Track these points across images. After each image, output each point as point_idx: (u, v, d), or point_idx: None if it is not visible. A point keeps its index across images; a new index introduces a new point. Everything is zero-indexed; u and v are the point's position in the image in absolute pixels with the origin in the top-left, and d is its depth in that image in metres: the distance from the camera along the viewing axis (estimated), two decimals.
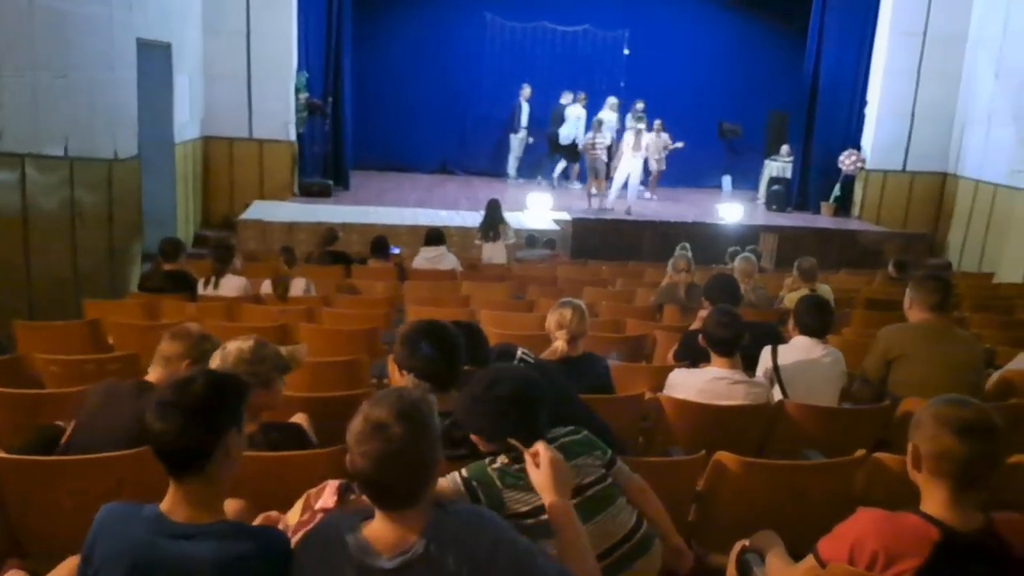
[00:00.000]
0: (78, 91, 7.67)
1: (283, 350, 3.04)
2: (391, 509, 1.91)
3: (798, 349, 4.29)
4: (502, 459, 2.49)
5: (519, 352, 3.37)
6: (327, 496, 2.27)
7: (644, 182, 14.83)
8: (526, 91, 16.19)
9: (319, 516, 2.23)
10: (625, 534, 2.53)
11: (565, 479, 2.24)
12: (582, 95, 15.67)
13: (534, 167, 16.54)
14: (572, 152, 15.42)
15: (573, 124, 15.44)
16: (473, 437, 2.58)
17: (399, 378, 2.88)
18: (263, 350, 2.96)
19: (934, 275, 4.79)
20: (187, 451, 1.99)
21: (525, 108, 16.21)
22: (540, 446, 2.26)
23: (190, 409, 1.99)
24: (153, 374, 3.20)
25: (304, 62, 13.44)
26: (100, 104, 8.16)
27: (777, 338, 4.58)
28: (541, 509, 2.33)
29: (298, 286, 6.96)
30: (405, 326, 3.06)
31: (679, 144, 15.20)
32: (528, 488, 2.38)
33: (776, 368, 4.22)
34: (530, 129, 16.21)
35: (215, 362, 2.90)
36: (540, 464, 2.24)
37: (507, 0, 16.77)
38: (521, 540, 1.98)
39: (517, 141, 16.43)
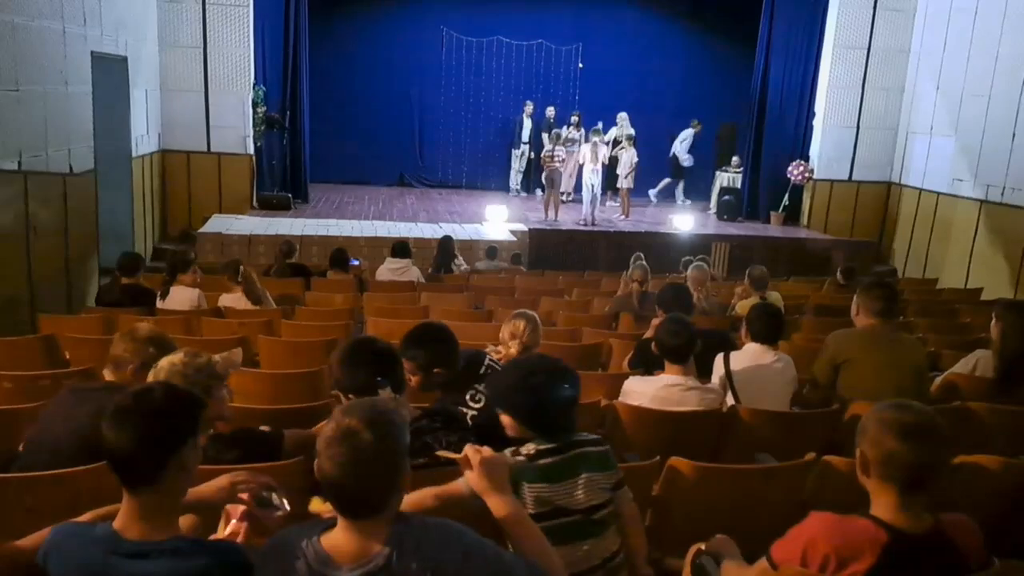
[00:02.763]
0: (32, 105, 7.58)
1: (216, 358, 3.00)
2: (355, 517, 1.89)
3: (750, 355, 4.36)
4: (528, 448, 2.59)
5: (487, 360, 3.40)
6: (241, 506, 2.29)
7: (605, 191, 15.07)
8: (528, 107, 16.35)
9: (243, 526, 2.27)
10: (604, 559, 2.59)
11: (501, 476, 2.23)
12: (624, 115, 15.78)
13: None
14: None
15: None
16: (504, 419, 2.68)
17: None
18: (195, 360, 2.91)
19: (880, 282, 4.90)
20: (141, 461, 1.95)
21: (527, 124, 16.38)
22: (468, 450, 2.25)
23: (147, 418, 1.96)
24: (108, 377, 3.23)
25: (261, 76, 13.41)
26: (54, 118, 8.07)
27: (729, 345, 4.66)
28: (559, 511, 2.49)
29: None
30: (337, 351, 3.06)
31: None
32: (551, 479, 2.52)
33: (728, 374, 4.30)
34: (532, 144, 16.31)
35: (149, 378, 2.83)
36: (473, 467, 2.22)
37: (463, 15, 16.88)
38: (489, 545, 1.97)
39: (518, 156, 16.60)
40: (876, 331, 4.44)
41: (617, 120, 15.71)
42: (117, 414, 1.97)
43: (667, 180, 16.69)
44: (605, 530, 2.61)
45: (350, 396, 2.87)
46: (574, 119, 15.95)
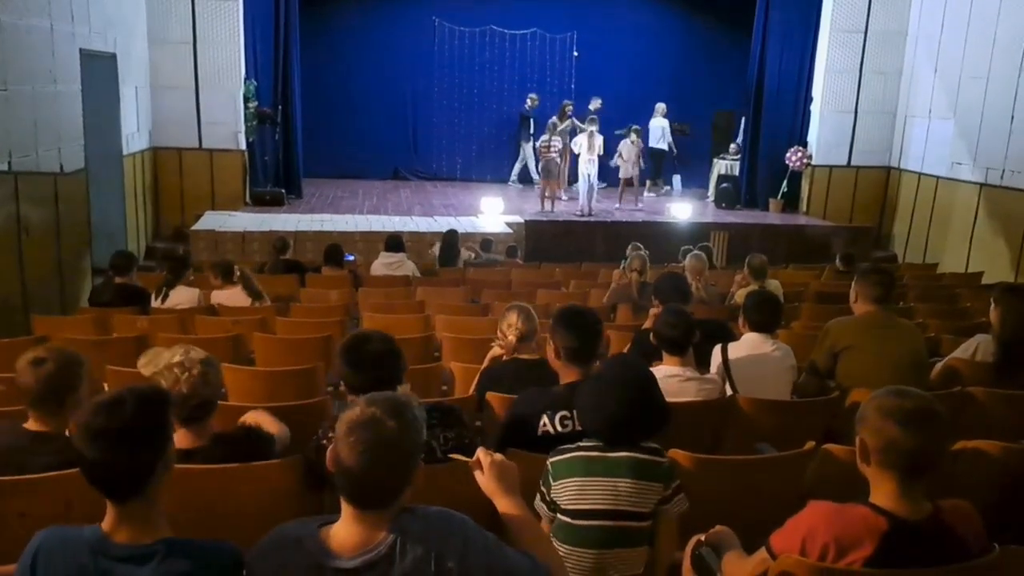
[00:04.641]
0: (21, 105, 7.56)
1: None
2: (364, 507, 1.89)
3: (748, 346, 4.32)
4: (583, 442, 2.75)
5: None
6: None
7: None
8: (535, 100, 16.24)
9: None
10: None
11: (511, 479, 2.25)
12: (662, 106, 15.90)
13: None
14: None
15: (658, 134, 15.82)
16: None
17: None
18: (210, 358, 2.93)
19: (877, 268, 4.88)
20: (128, 476, 1.93)
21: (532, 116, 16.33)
22: (480, 453, 2.29)
23: (127, 433, 1.92)
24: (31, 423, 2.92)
25: (252, 70, 13.36)
26: (44, 117, 8.04)
27: (727, 334, 4.63)
28: (593, 512, 2.61)
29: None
30: (341, 348, 3.04)
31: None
32: (588, 472, 2.65)
33: (726, 365, 4.26)
34: (537, 136, 16.19)
35: (165, 383, 2.78)
36: (484, 470, 2.25)
37: (455, 5, 16.81)
38: (490, 536, 1.99)
39: (529, 149, 16.46)
40: (874, 318, 4.43)
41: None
42: (90, 433, 1.92)
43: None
44: (637, 544, 2.67)
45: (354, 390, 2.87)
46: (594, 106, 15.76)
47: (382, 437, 1.86)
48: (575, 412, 3.12)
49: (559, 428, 3.15)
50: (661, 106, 15.92)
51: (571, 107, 15.61)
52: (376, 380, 2.77)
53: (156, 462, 1.96)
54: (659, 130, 15.88)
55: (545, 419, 3.17)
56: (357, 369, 2.89)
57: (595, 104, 15.86)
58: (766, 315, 4.39)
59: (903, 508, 2.17)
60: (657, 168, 16.33)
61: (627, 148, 14.56)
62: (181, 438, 2.77)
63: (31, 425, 2.88)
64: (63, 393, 2.84)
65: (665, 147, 15.96)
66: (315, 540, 1.89)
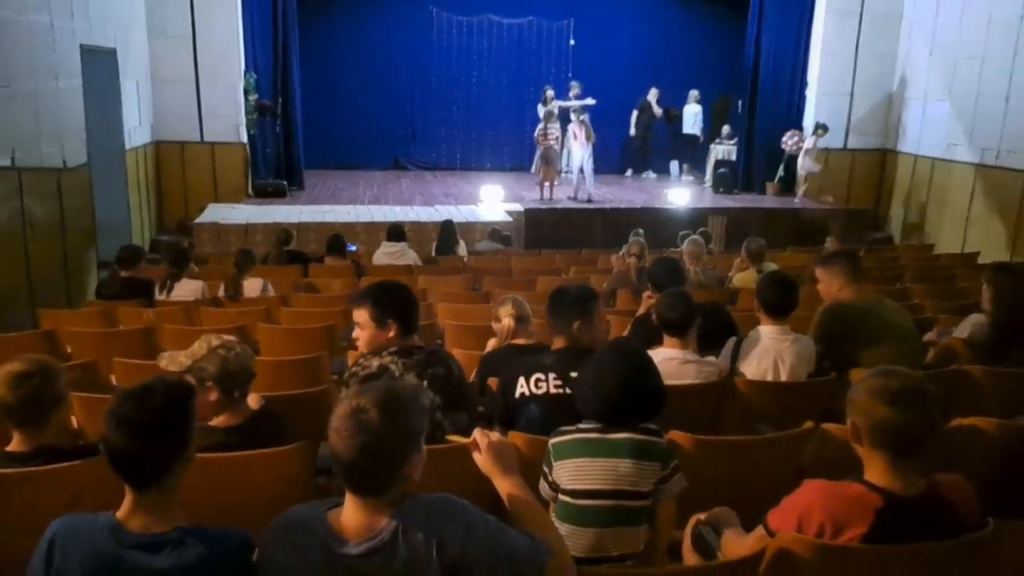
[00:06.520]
0: (23, 101, 7.57)
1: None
2: (361, 495, 1.92)
3: (763, 345, 4.17)
4: (582, 424, 2.78)
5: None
6: None
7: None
8: (576, 89, 16.15)
9: None
10: (624, 555, 2.68)
11: (508, 459, 2.27)
12: (695, 92, 16.06)
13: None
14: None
15: (692, 120, 15.98)
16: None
17: (369, 331, 3.13)
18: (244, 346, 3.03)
19: (838, 252, 4.85)
20: (150, 465, 1.97)
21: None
22: (477, 433, 2.30)
23: (153, 423, 1.96)
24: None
25: (252, 63, 13.38)
26: (46, 113, 8.06)
27: (725, 316, 4.65)
28: (594, 492, 2.64)
29: (254, 287, 6.98)
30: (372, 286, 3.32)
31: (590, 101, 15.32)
32: (588, 454, 2.69)
33: (734, 365, 4.18)
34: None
35: (212, 366, 2.86)
36: (481, 450, 2.27)
37: None
38: (491, 520, 2.00)
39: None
40: (862, 298, 4.42)
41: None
42: (118, 421, 1.97)
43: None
44: (637, 523, 2.70)
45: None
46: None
47: (367, 429, 1.88)
48: (550, 375, 3.31)
49: (533, 389, 3.32)
50: (695, 93, 16.06)
51: (552, 92, 15.51)
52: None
53: (179, 453, 2.02)
54: (692, 116, 16.04)
55: (521, 381, 3.34)
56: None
57: (653, 94, 16.01)
58: (781, 296, 4.19)
59: (897, 484, 2.21)
60: (691, 154, 16.47)
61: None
62: (225, 418, 2.94)
63: (15, 446, 2.76)
64: (49, 406, 2.74)
65: (698, 133, 16.16)
66: (323, 523, 1.94)
